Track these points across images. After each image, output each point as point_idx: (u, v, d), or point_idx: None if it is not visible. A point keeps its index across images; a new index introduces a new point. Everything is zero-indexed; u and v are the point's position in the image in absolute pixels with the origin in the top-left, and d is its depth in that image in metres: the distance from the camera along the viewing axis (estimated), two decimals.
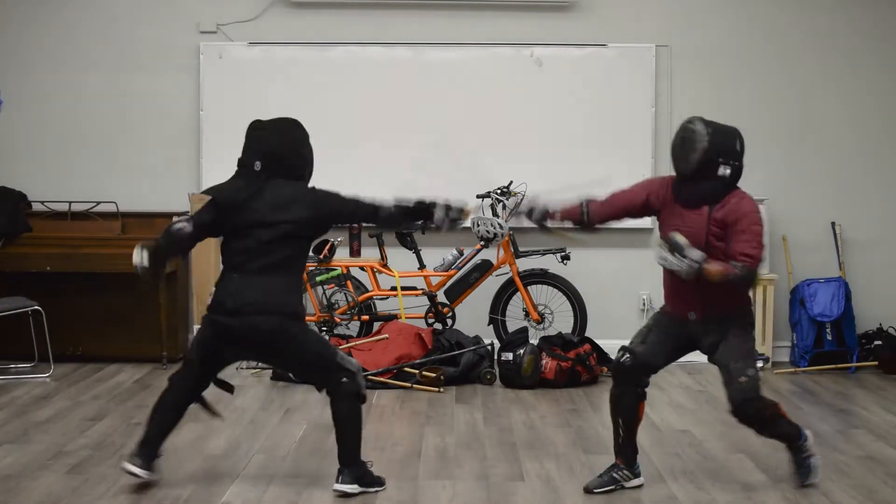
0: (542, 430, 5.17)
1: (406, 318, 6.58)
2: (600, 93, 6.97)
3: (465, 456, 4.70)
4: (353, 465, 4.10)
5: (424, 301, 6.71)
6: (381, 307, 6.83)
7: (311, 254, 6.60)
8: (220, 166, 6.92)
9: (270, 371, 6.29)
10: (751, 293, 4.27)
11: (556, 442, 4.95)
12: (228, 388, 4.33)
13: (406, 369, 6.13)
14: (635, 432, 4.23)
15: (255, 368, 6.43)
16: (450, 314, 6.70)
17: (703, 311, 4.13)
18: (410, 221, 4.44)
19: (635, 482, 4.22)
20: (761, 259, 4.00)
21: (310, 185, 4.39)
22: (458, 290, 6.72)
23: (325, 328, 6.65)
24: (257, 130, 4.45)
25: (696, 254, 3.92)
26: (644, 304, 7.09)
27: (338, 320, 6.64)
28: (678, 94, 7.02)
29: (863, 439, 5.03)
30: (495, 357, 6.33)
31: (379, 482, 4.18)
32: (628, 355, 4.21)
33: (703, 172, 4.06)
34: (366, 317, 6.71)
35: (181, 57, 7.02)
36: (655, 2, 7.06)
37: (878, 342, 6.75)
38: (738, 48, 7.03)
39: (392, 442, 4.93)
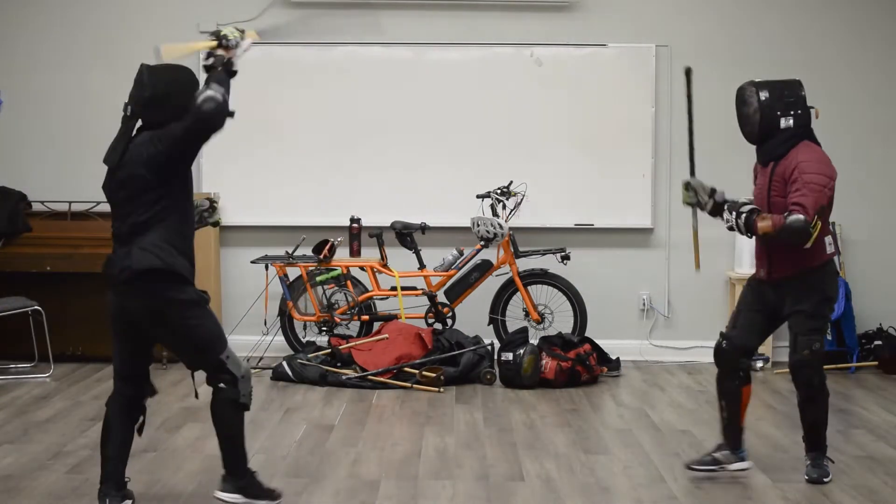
0: (542, 430, 5.18)
1: (406, 318, 6.58)
2: (600, 93, 6.97)
3: (465, 456, 4.70)
4: (235, 474, 3.83)
5: (424, 301, 6.71)
6: (381, 307, 6.83)
7: (310, 254, 6.66)
8: (220, 166, 6.99)
9: (270, 371, 6.29)
10: (835, 260, 4.33)
11: (556, 442, 4.95)
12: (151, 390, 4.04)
13: (406, 369, 6.13)
14: (740, 416, 4.29)
15: (255, 368, 6.43)
16: (450, 314, 6.70)
17: (770, 270, 4.19)
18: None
19: (739, 465, 4.28)
20: (816, 208, 3.99)
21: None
22: (458, 290, 6.72)
23: (325, 328, 6.66)
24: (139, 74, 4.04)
25: (744, 207, 4.09)
26: (644, 304, 7.09)
27: (338, 320, 6.65)
28: (678, 94, 6.98)
29: (863, 439, 5.03)
30: (495, 357, 6.33)
31: (269, 495, 3.88)
32: (724, 341, 4.29)
33: (767, 130, 4.15)
34: (366, 317, 6.71)
35: (181, 57, 7.00)
36: (655, 2, 7.06)
37: (878, 342, 6.75)
38: (738, 48, 7.03)
39: (392, 442, 4.93)
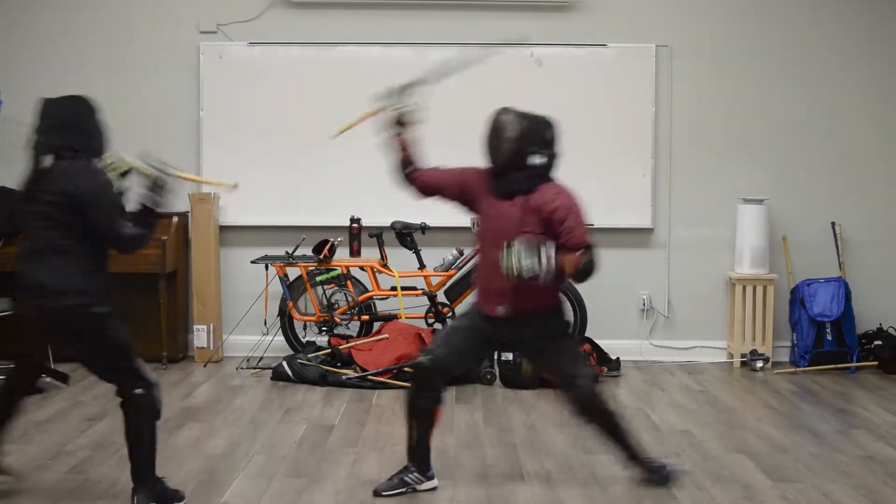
0: (542, 430, 5.17)
1: (406, 318, 6.58)
2: (600, 93, 6.97)
3: (465, 456, 4.70)
4: (147, 483, 3.82)
5: (424, 301, 6.71)
6: (381, 307, 6.83)
7: (310, 254, 6.66)
8: (220, 166, 6.98)
9: (270, 371, 6.29)
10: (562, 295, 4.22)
11: (555, 442, 4.95)
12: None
13: (406, 369, 6.13)
14: (428, 436, 4.18)
15: (255, 368, 6.44)
16: (450, 314, 6.70)
17: (516, 305, 4.02)
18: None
19: (427, 485, 4.18)
20: (588, 234, 4.00)
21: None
22: (458, 290, 6.71)
23: (325, 328, 6.66)
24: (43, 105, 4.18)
25: (548, 249, 3.85)
26: (644, 304, 7.09)
27: (338, 320, 6.65)
28: (678, 94, 7.02)
29: (863, 439, 5.03)
30: (495, 357, 6.32)
31: (177, 497, 3.93)
32: (429, 358, 4.10)
33: (515, 162, 4.05)
34: (366, 317, 6.71)
35: (181, 57, 7.02)
36: (655, 2, 7.06)
37: (878, 342, 6.75)
38: (738, 48, 7.03)
39: (392, 442, 4.93)
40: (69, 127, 4.09)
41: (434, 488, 4.19)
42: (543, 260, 3.79)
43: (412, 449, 4.19)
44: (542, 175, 4.08)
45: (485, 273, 4.12)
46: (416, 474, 4.17)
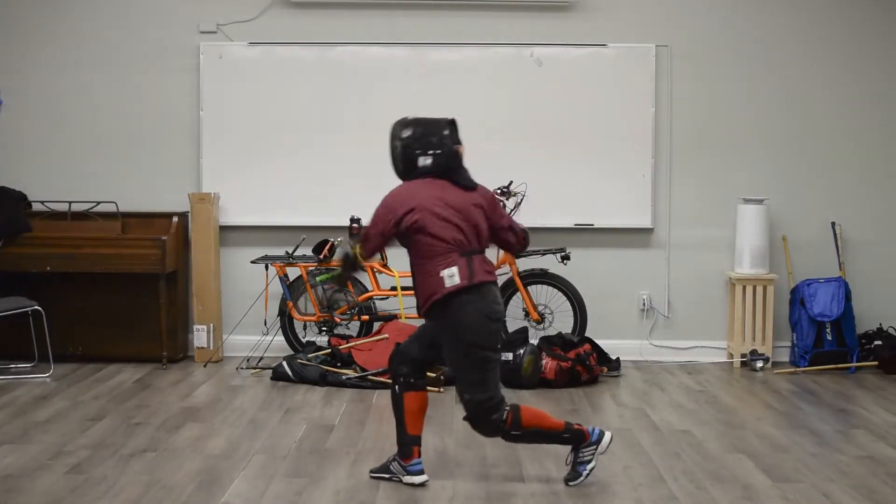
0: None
1: (406, 318, 6.58)
2: (600, 93, 6.97)
3: (465, 456, 4.70)
4: None
5: None
6: (381, 307, 6.83)
7: (310, 253, 6.66)
8: (220, 166, 6.99)
9: (270, 371, 6.29)
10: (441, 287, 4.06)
11: None
12: None
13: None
14: (403, 422, 4.22)
15: (255, 368, 6.44)
16: None
17: (417, 297, 4.18)
18: None
19: (409, 479, 4.21)
20: (364, 239, 4.16)
21: None
22: None
23: (325, 328, 6.66)
24: None
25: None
26: (644, 304, 7.09)
27: (338, 320, 6.64)
28: (678, 94, 7.02)
29: (863, 439, 5.02)
30: None
31: None
32: (398, 345, 4.35)
33: (408, 167, 4.21)
34: (366, 317, 6.70)
35: (181, 57, 7.02)
36: (655, 2, 7.05)
37: (878, 342, 6.75)
38: (738, 48, 7.03)
39: (392, 442, 4.91)
40: None
41: (416, 483, 4.21)
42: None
43: (397, 436, 4.30)
44: (423, 175, 4.21)
45: None
46: (397, 463, 4.26)
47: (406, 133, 4.20)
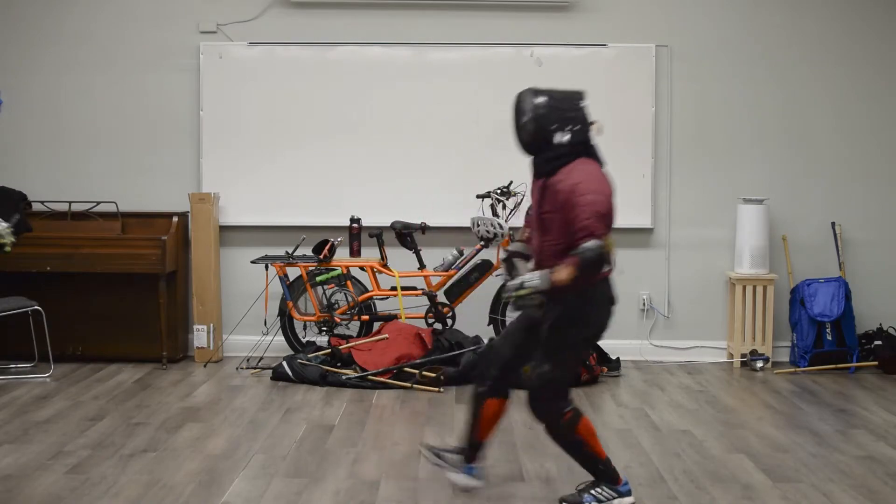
0: (542, 431, 5.15)
1: (406, 318, 6.58)
2: (600, 93, 6.93)
3: None
4: None
5: (424, 301, 6.71)
6: (381, 307, 6.83)
7: (310, 254, 6.66)
8: (220, 166, 6.99)
9: (270, 371, 6.29)
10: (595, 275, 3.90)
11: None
12: None
13: (406, 369, 6.13)
14: (477, 425, 4.09)
15: (255, 368, 6.44)
16: (450, 314, 6.70)
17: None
18: None
19: (457, 477, 4.13)
20: (602, 229, 3.73)
21: None
22: (458, 290, 6.71)
23: (325, 328, 6.66)
24: None
25: (533, 280, 3.69)
26: (644, 304, 7.09)
27: (338, 320, 6.64)
28: (678, 94, 7.02)
29: (863, 439, 5.03)
30: None
31: None
32: (486, 346, 4.18)
33: (540, 143, 3.80)
34: (366, 317, 6.70)
35: (181, 57, 7.02)
36: (655, 2, 7.06)
37: (878, 342, 6.75)
38: (738, 48, 7.03)
39: (392, 442, 4.93)
40: None
41: (465, 486, 4.14)
42: (531, 296, 3.67)
43: (465, 434, 4.15)
44: (572, 153, 3.79)
45: (534, 254, 3.99)
46: (456, 457, 4.15)
47: (541, 104, 3.76)
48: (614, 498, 3.95)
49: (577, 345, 3.97)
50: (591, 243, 3.67)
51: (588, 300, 3.88)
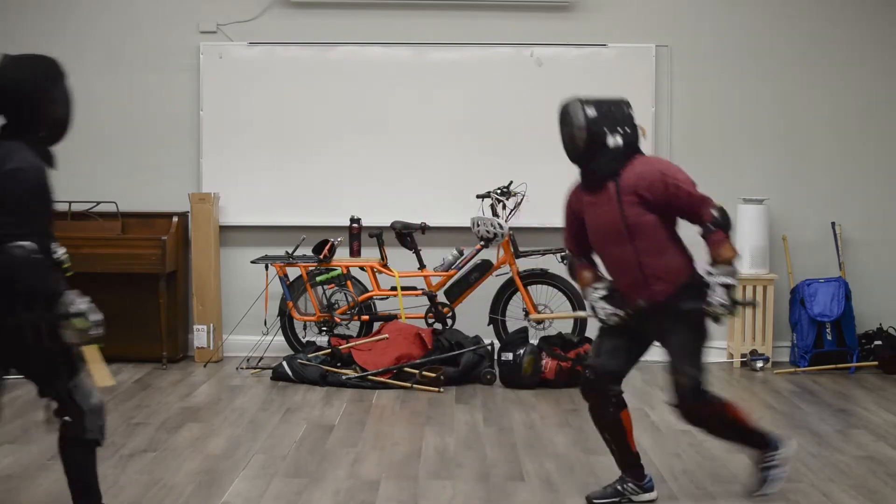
0: (542, 430, 5.17)
1: (406, 318, 6.58)
2: (600, 93, 6.93)
3: (465, 456, 4.70)
4: None
5: (424, 301, 6.71)
6: (381, 307, 6.83)
7: (310, 254, 6.66)
8: (220, 166, 6.99)
9: (270, 371, 6.29)
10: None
11: (556, 442, 4.95)
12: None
13: (406, 369, 6.13)
14: (627, 444, 4.03)
15: (255, 368, 6.44)
16: (450, 314, 6.70)
17: (651, 292, 3.86)
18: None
19: (645, 497, 4.04)
20: (709, 200, 3.90)
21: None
22: (458, 290, 6.71)
23: (325, 328, 6.66)
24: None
25: (721, 278, 3.77)
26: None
27: (338, 320, 6.64)
28: (678, 94, 7.02)
29: (863, 439, 5.03)
30: (495, 357, 6.33)
31: None
32: (587, 371, 4.02)
33: (593, 150, 3.82)
34: (366, 317, 6.70)
35: (181, 57, 7.02)
36: (655, 2, 7.06)
37: (878, 342, 6.75)
38: (737, 48, 7.03)
39: (392, 442, 4.93)
40: (16, 93, 3.43)
41: (652, 500, 4.07)
42: (724, 302, 3.78)
43: (618, 461, 4.06)
44: (626, 154, 3.84)
45: (613, 274, 3.97)
46: (631, 484, 4.04)
47: (591, 112, 3.83)
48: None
49: (706, 334, 3.98)
50: (716, 210, 3.80)
51: (704, 288, 3.87)
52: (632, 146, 3.86)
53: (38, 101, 3.41)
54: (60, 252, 3.54)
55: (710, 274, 3.82)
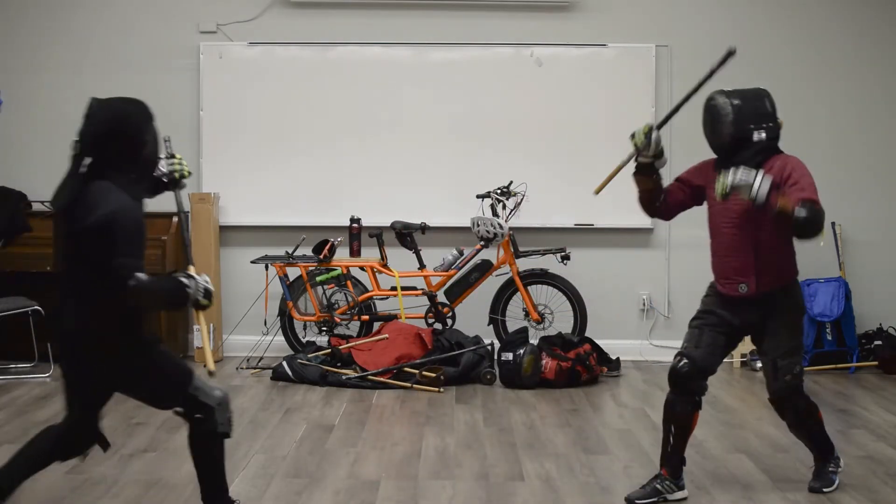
0: (542, 430, 5.17)
1: (406, 318, 6.58)
2: (600, 93, 6.97)
3: (465, 456, 4.70)
4: None
5: (424, 301, 6.71)
6: (381, 307, 6.83)
7: (310, 254, 6.66)
8: (220, 166, 6.99)
9: (270, 371, 6.29)
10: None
11: (556, 442, 4.95)
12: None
13: (406, 369, 6.13)
14: (685, 442, 4.09)
15: (255, 368, 6.44)
16: (450, 314, 6.70)
17: (757, 281, 3.94)
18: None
19: (679, 495, 4.07)
20: (820, 204, 3.76)
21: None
22: (458, 290, 6.72)
23: (325, 328, 6.66)
24: (91, 109, 3.65)
25: (766, 177, 3.73)
26: (644, 304, 7.09)
27: (338, 320, 6.64)
28: (678, 94, 6.97)
29: (863, 439, 5.03)
30: (495, 357, 6.33)
31: None
32: (685, 361, 4.02)
33: (738, 143, 3.94)
34: (366, 317, 6.70)
35: (181, 57, 7.02)
36: (655, 2, 7.06)
37: (878, 342, 6.75)
38: (738, 48, 7.01)
39: (392, 442, 4.93)
40: (116, 135, 3.60)
41: (684, 499, 4.09)
42: (759, 179, 3.69)
43: (666, 455, 4.09)
44: (769, 148, 3.96)
45: (722, 255, 4.08)
46: (668, 482, 4.06)
47: (738, 104, 3.94)
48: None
49: (802, 329, 4.08)
50: (819, 210, 3.69)
51: (799, 289, 4.04)
52: (775, 139, 3.96)
53: (134, 141, 3.55)
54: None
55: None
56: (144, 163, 3.60)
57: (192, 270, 3.70)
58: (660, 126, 4.19)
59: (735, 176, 3.73)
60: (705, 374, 4.04)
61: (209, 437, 3.60)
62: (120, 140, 3.52)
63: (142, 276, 3.45)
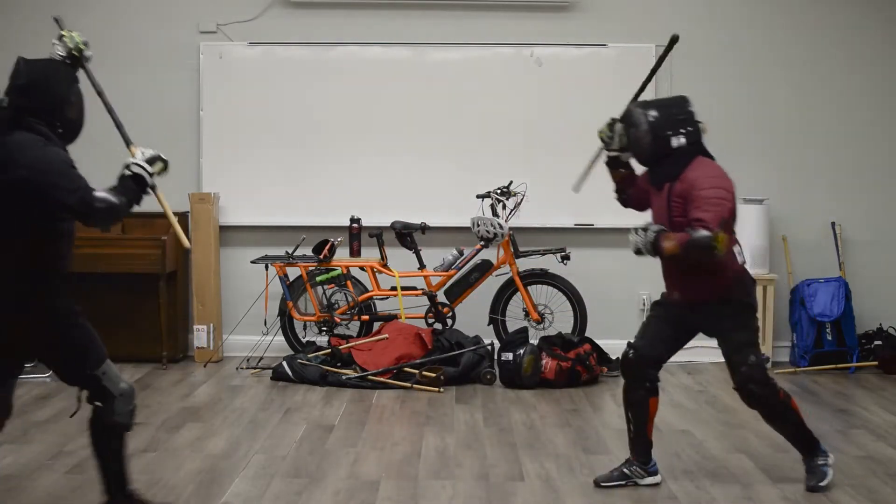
0: (542, 430, 5.17)
1: (406, 318, 6.58)
2: (600, 93, 6.96)
3: (465, 456, 4.70)
4: (116, 498, 3.61)
5: (424, 301, 6.71)
6: (381, 307, 6.83)
7: (310, 254, 6.66)
8: (220, 166, 6.99)
9: (270, 371, 6.29)
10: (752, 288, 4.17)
11: (556, 442, 4.95)
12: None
13: (406, 369, 6.13)
14: (646, 428, 4.21)
15: (255, 368, 6.44)
16: (450, 314, 6.70)
17: (684, 293, 4.12)
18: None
19: (650, 480, 4.20)
20: (718, 222, 3.78)
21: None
22: (458, 290, 6.72)
23: (325, 328, 6.66)
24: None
25: (652, 227, 3.94)
26: (644, 304, 7.09)
27: (338, 320, 6.64)
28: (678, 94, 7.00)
29: (863, 439, 5.03)
30: (495, 357, 6.33)
31: None
32: (631, 350, 4.24)
33: (659, 151, 4.02)
34: (366, 317, 6.70)
35: (181, 57, 7.02)
36: (655, 2, 7.06)
37: (878, 342, 6.75)
38: (738, 48, 7.03)
39: (392, 442, 4.93)
40: (40, 87, 3.51)
41: (657, 484, 4.21)
42: (639, 237, 3.90)
43: (632, 441, 4.23)
44: (689, 153, 4.00)
45: (662, 263, 4.19)
46: (637, 467, 4.20)
47: (652, 114, 4.02)
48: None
49: (755, 320, 4.15)
50: (702, 234, 3.79)
51: (749, 286, 4.13)
52: (696, 144, 4.01)
53: (56, 96, 3.51)
54: None
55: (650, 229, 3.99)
56: (70, 122, 3.56)
57: (132, 152, 3.84)
58: (621, 119, 4.26)
59: (633, 244, 3.99)
60: (651, 363, 4.19)
61: (107, 426, 3.55)
62: (42, 91, 3.48)
63: (99, 194, 3.41)
